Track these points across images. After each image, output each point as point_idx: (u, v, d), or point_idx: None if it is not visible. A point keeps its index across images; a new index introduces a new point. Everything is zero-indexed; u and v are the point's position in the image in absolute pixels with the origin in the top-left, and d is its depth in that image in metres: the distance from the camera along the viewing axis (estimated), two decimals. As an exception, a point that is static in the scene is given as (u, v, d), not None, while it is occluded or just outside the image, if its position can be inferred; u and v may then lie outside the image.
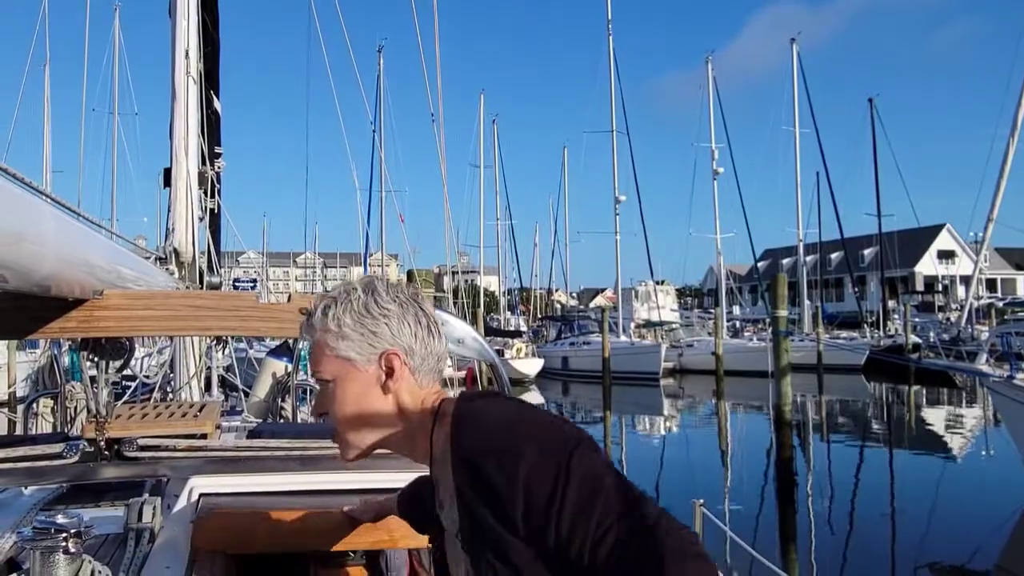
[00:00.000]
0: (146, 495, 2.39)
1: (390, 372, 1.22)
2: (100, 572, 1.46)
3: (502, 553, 1.06)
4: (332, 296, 1.26)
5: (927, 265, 53.42)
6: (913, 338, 30.35)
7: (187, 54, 5.67)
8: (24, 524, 2.19)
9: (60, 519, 1.41)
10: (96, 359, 2.38)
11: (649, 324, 36.88)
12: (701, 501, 2.15)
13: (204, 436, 2.81)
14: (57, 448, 2.48)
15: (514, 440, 1.06)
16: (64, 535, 1.40)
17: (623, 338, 32.82)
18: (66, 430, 4.31)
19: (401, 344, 1.23)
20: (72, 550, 1.41)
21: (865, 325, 35.89)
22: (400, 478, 1.84)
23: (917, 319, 34.48)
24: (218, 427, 3.21)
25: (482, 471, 1.06)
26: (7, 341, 14.20)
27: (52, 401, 6.33)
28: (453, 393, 1.29)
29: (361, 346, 1.22)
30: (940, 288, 50.23)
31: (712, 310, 37.55)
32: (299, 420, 6.37)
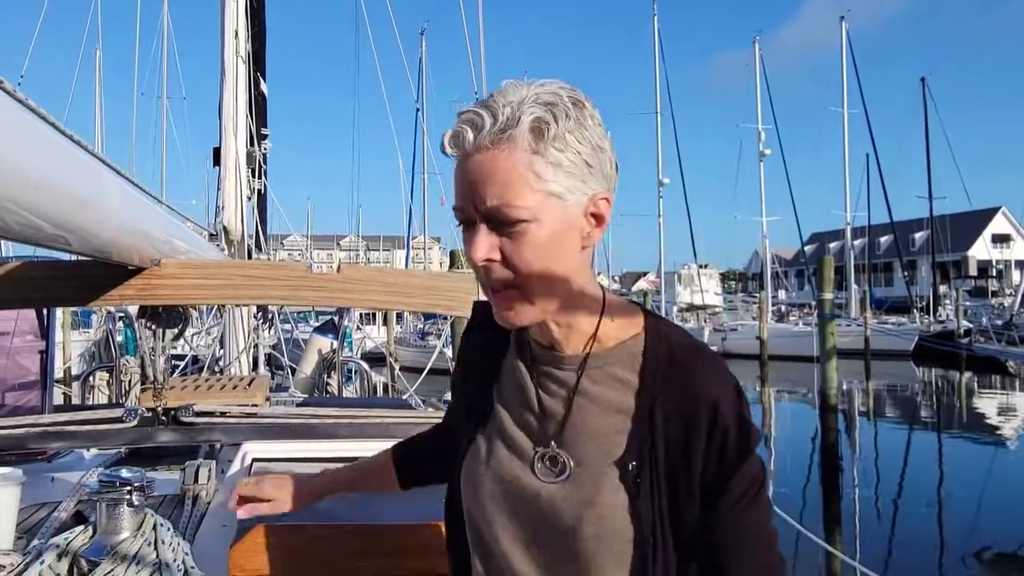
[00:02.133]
0: (201, 459, 2.47)
1: (599, 220, 0.97)
2: (162, 525, 1.52)
3: (676, 491, 0.97)
4: (542, 101, 0.93)
5: (981, 249, 51.91)
6: (964, 323, 29.60)
7: (236, 34, 5.78)
8: (86, 483, 2.29)
9: (125, 473, 1.47)
10: (153, 328, 2.46)
11: (692, 308, 36.62)
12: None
13: (255, 407, 2.89)
14: (117, 413, 2.58)
15: (735, 383, 1.00)
16: (128, 488, 1.46)
17: (666, 322, 32.59)
18: (121, 402, 4.45)
19: (611, 186, 0.98)
20: (136, 503, 1.47)
21: (915, 310, 35.11)
22: None
23: (968, 304, 33.60)
24: (267, 400, 3.30)
25: (719, 411, 0.96)
26: (62, 320, 14.68)
27: (108, 374, 6.55)
28: None
29: (575, 182, 0.94)
30: (994, 273, 48.84)
31: (756, 294, 37.08)
32: (344, 396, 6.49)
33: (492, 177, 0.91)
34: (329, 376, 6.58)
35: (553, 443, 1.02)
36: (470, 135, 0.92)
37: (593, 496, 0.98)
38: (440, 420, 1.37)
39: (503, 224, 0.93)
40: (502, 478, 1.05)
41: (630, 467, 0.97)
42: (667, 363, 1.00)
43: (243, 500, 1.29)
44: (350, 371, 7.74)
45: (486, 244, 0.93)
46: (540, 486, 1.01)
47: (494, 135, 0.91)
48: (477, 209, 0.93)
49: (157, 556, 1.44)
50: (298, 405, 3.37)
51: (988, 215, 53.10)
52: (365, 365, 7.38)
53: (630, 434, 0.99)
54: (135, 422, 2.46)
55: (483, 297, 1.05)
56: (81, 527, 1.52)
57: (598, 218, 0.97)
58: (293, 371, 6.87)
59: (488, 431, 1.09)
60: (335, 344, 6.61)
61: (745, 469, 0.97)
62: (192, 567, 1.45)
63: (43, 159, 1.26)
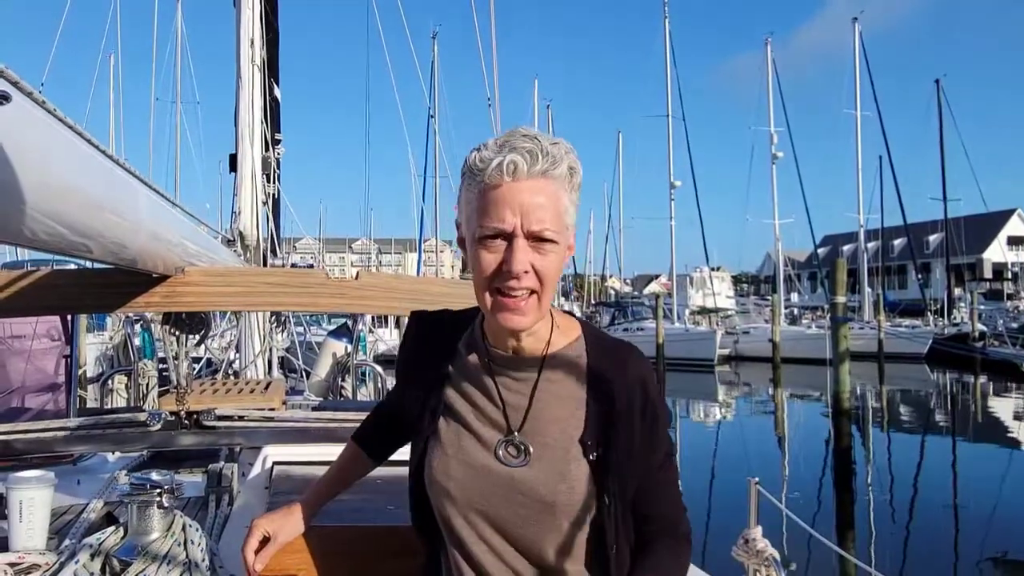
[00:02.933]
0: (223, 462, 2.53)
1: (571, 249, 1.21)
2: (191, 526, 1.57)
3: (621, 458, 1.20)
4: (572, 153, 1.17)
5: (996, 252, 51.47)
6: (979, 326, 29.39)
7: (252, 42, 5.84)
8: (113, 485, 2.35)
9: (155, 476, 1.52)
10: (177, 333, 2.51)
11: (704, 311, 36.48)
12: (756, 479, 2.15)
13: (272, 410, 2.94)
14: (141, 417, 2.63)
15: (654, 371, 1.29)
16: (159, 491, 1.51)
17: (678, 324, 32.54)
18: (140, 405, 4.51)
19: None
20: (166, 504, 1.52)
21: (929, 313, 34.88)
22: None
23: (983, 307, 33.34)
24: (284, 403, 3.35)
25: (648, 388, 1.23)
26: (80, 324, 14.78)
27: (126, 378, 6.63)
28: None
29: (573, 220, 1.19)
30: (1009, 275, 48.42)
31: (769, 297, 36.94)
32: (359, 399, 6.54)
33: (543, 203, 1.12)
34: (343, 379, 6.64)
35: (515, 433, 1.21)
36: (524, 166, 1.11)
37: (564, 471, 1.18)
38: None
39: (541, 242, 1.12)
40: (471, 467, 1.21)
41: (588, 443, 1.20)
42: (606, 358, 1.24)
43: (263, 542, 1.37)
44: (363, 374, 7.80)
45: (527, 257, 1.12)
46: (510, 470, 1.19)
47: (544, 169, 1.12)
48: (524, 227, 1.11)
49: (187, 556, 1.49)
50: (314, 409, 3.42)
51: (1003, 217, 52.67)
52: (379, 368, 7.43)
53: (585, 417, 1.21)
54: (159, 426, 2.51)
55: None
56: (112, 528, 1.56)
57: (571, 249, 1.21)
58: (306, 374, 6.92)
59: (449, 428, 1.25)
60: (349, 348, 6.67)
61: (665, 437, 1.26)
62: (220, 566, 1.50)
63: (79, 174, 1.31)
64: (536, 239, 1.12)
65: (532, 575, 1.20)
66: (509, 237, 1.12)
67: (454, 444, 1.23)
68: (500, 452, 1.20)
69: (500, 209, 1.11)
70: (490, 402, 1.23)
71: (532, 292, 1.14)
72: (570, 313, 1.35)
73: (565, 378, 1.23)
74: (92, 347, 15.91)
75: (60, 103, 1.25)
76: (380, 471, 2.11)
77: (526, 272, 1.11)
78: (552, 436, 1.20)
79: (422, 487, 1.26)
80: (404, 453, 2.28)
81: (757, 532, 2.15)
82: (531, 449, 1.20)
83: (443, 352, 1.29)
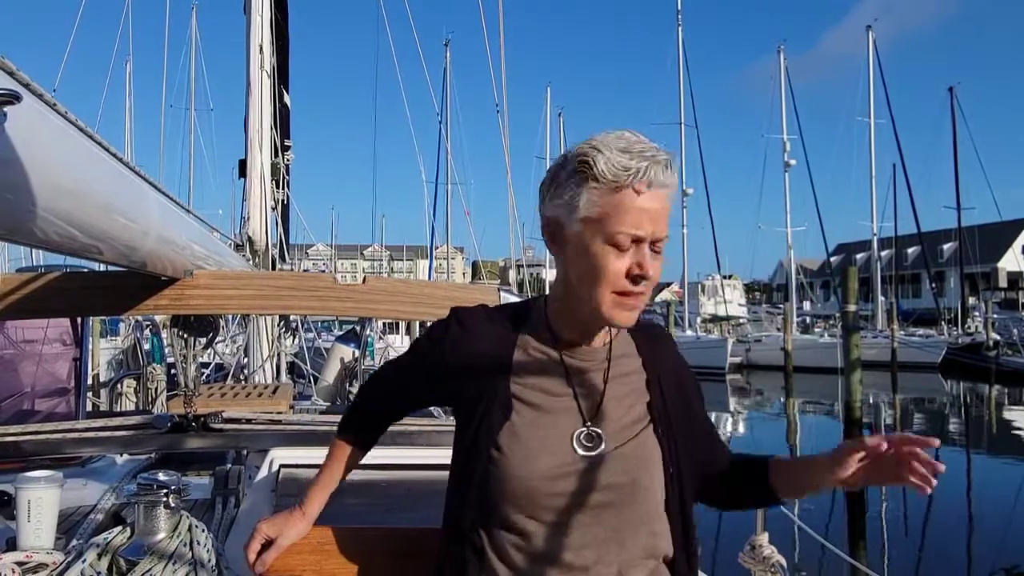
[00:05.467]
0: (230, 465, 2.54)
1: None
2: (197, 527, 1.58)
3: (681, 428, 1.32)
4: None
5: (1011, 260, 51.04)
6: (994, 336, 29.14)
7: (261, 49, 5.89)
8: (120, 486, 2.36)
9: (162, 476, 1.54)
10: (185, 336, 2.53)
11: (716, 319, 36.34)
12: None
13: (279, 414, 2.95)
14: (149, 420, 2.65)
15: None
16: (165, 491, 1.52)
17: (689, 332, 32.41)
18: (149, 408, 4.54)
19: None
20: (172, 505, 1.53)
21: (943, 322, 34.62)
22: None
23: (998, 316, 33.06)
24: (291, 407, 3.36)
25: (683, 359, 1.43)
26: (92, 328, 14.93)
27: (135, 382, 6.68)
28: None
29: None
30: (1024, 285, 48.07)
31: (781, 305, 36.79)
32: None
33: (666, 213, 1.20)
34: (351, 384, 6.66)
35: (589, 423, 1.25)
36: (663, 177, 1.18)
37: (640, 453, 1.26)
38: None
39: (656, 247, 1.21)
40: (553, 457, 1.22)
41: (655, 423, 1.29)
42: (646, 338, 1.38)
43: (266, 545, 1.38)
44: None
45: (656, 262, 1.21)
46: (589, 458, 1.23)
47: (669, 179, 1.19)
48: (654, 234, 1.19)
49: (192, 556, 1.49)
50: (321, 413, 3.43)
51: (1018, 226, 52.21)
52: None
53: (649, 396, 1.31)
54: (166, 428, 2.52)
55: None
56: (120, 528, 1.57)
57: None
58: (315, 379, 6.95)
59: (524, 420, 1.24)
60: (357, 353, 6.69)
61: (701, 395, 1.45)
62: (227, 567, 1.51)
63: (90, 176, 1.32)
64: (658, 245, 1.20)
65: (616, 559, 1.22)
66: (639, 242, 1.18)
67: (534, 437, 1.23)
68: (578, 441, 1.24)
69: (640, 217, 1.17)
70: (565, 392, 1.26)
71: (646, 292, 1.22)
72: None
73: (625, 363, 1.32)
74: (105, 351, 16.04)
75: (72, 107, 1.26)
76: (383, 475, 2.11)
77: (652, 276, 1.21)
78: (624, 420, 1.27)
79: (486, 482, 1.22)
80: (406, 457, 2.30)
81: (764, 538, 2.15)
82: (605, 435, 1.24)
83: (502, 343, 1.29)
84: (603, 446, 1.24)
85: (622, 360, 1.32)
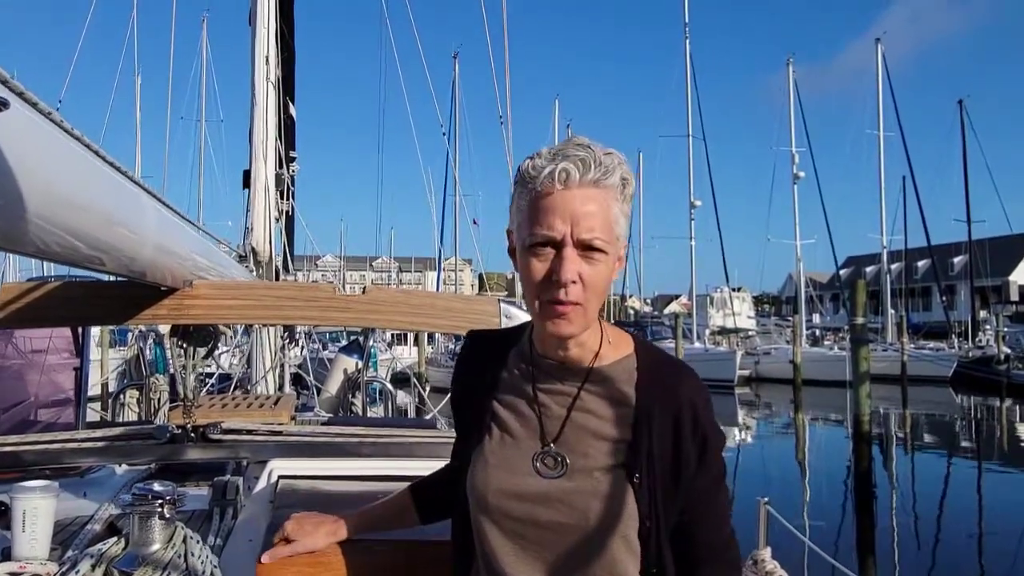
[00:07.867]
0: (229, 476, 2.53)
1: (621, 262, 1.20)
2: (192, 538, 1.57)
3: (667, 480, 1.18)
4: (625, 164, 1.16)
5: (1022, 274, 50.82)
6: (1005, 349, 28.96)
7: (267, 60, 5.91)
8: (117, 497, 2.35)
9: (157, 487, 1.53)
10: (184, 346, 2.52)
11: (724, 331, 36.26)
12: (766, 499, 2.13)
13: (280, 425, 2.94)
14: (148, 430, 2.64)
15: (707, 391, 1.26)
16: (160, 502, 1.51)
17: (697, 345, 32.32)
18: (151, 419, 4.53)
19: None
20: (167, 516, 1.52)
21: (953, 336, 34.41)
22: None
23: (1009, 329, 32.84)
24: (293, 419, 3.35)
25: (698, 411, 1.20)
26: (99, 338, 14.99)
27: (138, 392, 6.69)
28: None
29: (625, 231, 1.18)
30: (1036, 298, 47.76)
31: (790, 318, 36.66)
32: (369, 415, 6.53)
33: (593, 212, 1.12)
34: (354, 396, 6.64)
35: (552, 444, 1.20)
36: (576, 174, 1.11)
37: (599, 489, 1.16)
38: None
39: (590, 251, 1.12)
40: (511, 477, 1.20)
41: (631, 464, 1.17)
42: (657, 377, 1.22)
43: (285, 541, 1.42)
44: (375, 391, 7.79)
45: (575, 266, 1.11)
46: (547, 482, 1.18)
47: (596, 179, 1.12)
48: (573, 235, 1.11)
49: (187, 567, 1.48)
50: (323, 424, 3.42)
51: (1030, 239, 51.96)
52: (390, 385, 7.43)
53: (631, 437, 1.18)
54: (165, 439, 2.52)
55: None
56: (114, 538, 1.56)
57: (621, 261, 1.19)
58: (319, 390, 6.94)
59: (493, 439, 1.24)
60: (360, 364, 6.67)
61: (716, 462, 1.21)
62: (220, 579, 1.49)
63: (84, 184, 1.32)
64: (585, 248, 1.11)
65: None
66: (558, 245, 1.12)
67: (496, 454, 1.23)
68: (538, 463, 1.20)
69: (550, 217, 1.11)
70: (530, 411, 1.23)
71: (577, 303, 1.13)
72: (625, 328, 1.33)
73: (611, 393, 1.21)
74: (114, 361, 16.08)
75: (79, 119, 1.27)
76: (382, 486, 2.10)
77: (574, 281, 1.11)
78: (592, 451, 1.18)
79: (465, 499, 1.25)
80: (406, 469, 2.28)
81: (766, 553, 2.13)
82: (568, 461, 1.18)
83: (494, 365, 1.30)
84: (560, 471, 1.18)
85: (604, 385, 1.21)
